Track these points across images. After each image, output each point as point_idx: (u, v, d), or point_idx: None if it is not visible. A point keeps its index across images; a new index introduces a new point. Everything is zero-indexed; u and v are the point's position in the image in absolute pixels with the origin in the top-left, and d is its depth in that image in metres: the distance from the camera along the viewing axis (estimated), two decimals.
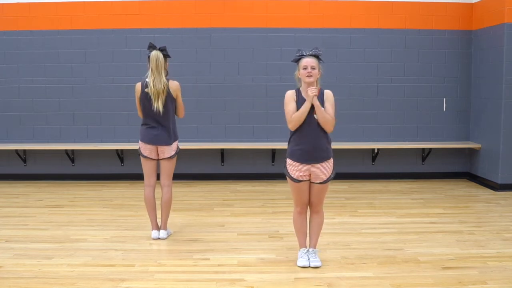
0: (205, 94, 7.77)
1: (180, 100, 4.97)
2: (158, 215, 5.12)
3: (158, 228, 5.03)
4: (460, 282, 3.88)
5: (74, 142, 7.79)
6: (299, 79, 4.12)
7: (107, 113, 7.74)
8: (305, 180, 4.12)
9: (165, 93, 4.77)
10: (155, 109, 4.78)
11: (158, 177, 5.05)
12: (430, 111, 7.90)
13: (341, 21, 7.73)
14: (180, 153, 5.06)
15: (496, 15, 7.12)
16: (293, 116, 4.04)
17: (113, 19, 7.65)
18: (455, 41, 7.81)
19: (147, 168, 4.97)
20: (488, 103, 7.41)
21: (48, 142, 7.78)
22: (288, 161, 4.15)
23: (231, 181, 7.83)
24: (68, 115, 7.78)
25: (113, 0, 7.63)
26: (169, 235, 5.07)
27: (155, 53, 4.75)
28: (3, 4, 7.60)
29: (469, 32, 7.80)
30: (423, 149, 7.90)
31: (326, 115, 4.02)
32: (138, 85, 4.89)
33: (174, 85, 4.88)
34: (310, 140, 4.04)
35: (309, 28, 7.67)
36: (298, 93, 4.11)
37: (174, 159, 4.99)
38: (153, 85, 4.73)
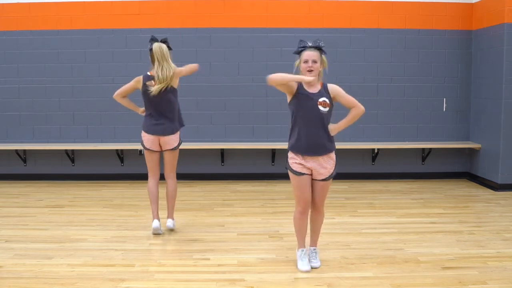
0: (205, 94, 7.77)
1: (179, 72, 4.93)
2: (160, 209, 5.16)
3: (159, 218, 5.07)
4: (460, 282, 3.88)
5: (74, 142, 7.79)
6: (298, 68, 4.05)
7: (107, 113, 7.74)
8: (306, 174, 4.06)
9: (172, 80, 4.80)
10: (151, 92, 4.79)
11: (162, 173, 5.10)
12: (430, 111, 7.90)
13: (341, 21, 7.73)
14: (180, 153, 5.07)
15: (496, 15, 7.12)
16: (280, 74, 3.88)
17: (113, 19, 7.65)
18: (455, 41, 7.80)
19: (150, 160, 5.01)
20: (488, 103, 7.41)
21: (48, 142, 7.77)
22: (290, 154, 4.12)
23: (231, 181, 7.83)
24: (68, 115, 7.78)
25: (113, 0, 7.63)
26: (174, 227, 5.15)
27: (157, 44, 4.79)
28: (3, 4, 7.60)
29: (469, 32, 7.80)
30: (423, 149, 7.90)
31: (354, 115, 4.25)
32: (140, 77, 4.94)
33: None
34: (310, 133, 4.00)
35: (309, 28, 7.67)
36: (301, 84, 4.04)
37: (177, 151, 5.05)
38: (161, 73, 4.74)
